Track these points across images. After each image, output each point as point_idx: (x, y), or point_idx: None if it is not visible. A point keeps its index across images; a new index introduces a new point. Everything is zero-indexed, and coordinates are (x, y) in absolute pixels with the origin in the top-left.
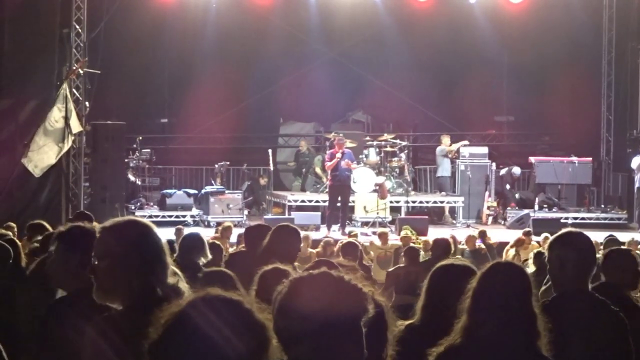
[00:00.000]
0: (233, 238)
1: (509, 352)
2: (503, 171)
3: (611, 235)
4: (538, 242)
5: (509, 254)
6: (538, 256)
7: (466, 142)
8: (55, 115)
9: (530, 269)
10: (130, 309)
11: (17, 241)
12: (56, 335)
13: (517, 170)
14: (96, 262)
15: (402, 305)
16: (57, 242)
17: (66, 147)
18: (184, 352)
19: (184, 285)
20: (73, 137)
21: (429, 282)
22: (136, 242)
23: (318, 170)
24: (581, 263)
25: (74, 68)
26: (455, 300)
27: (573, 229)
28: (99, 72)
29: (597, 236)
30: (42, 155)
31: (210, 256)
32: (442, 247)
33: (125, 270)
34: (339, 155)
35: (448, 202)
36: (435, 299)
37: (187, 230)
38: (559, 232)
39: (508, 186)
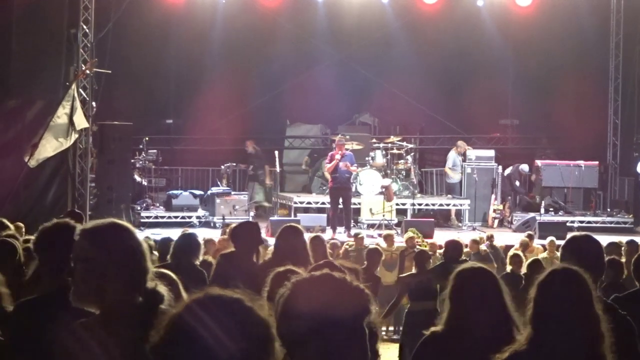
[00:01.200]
0: None
1: (574, 357)
2: (509, 170)
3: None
4: (543, 246)
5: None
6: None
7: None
8: (59, 112)
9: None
10: (105, 315)
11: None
12: (17, 333)
13: (525, 167)
14: (73, 265)
15: (421, 311)
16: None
17: (68, 144)
18: (186, 353)
19: (163, 289)
20: (77, 135)
21: (453, 287)
22: (113, 246)
23: (325, 172)
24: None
25: (83, 69)
26: (481, 306)
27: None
28: (110, 72)
29: (603, 240)
30: (40, 147)
31: (201, 258)
32: (455, 249)
33: (101, 275)
34: (337, 157)
35: (454, 205)
36: (461, 304)
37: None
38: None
39: (518, 183)
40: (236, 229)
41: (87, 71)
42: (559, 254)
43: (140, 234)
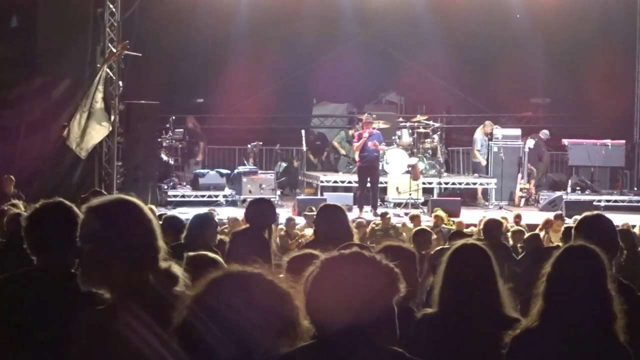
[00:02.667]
0: None
1: (585, 335)
2: (530, 143)
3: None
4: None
5: None
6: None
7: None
8: (97, 97)
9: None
10: (119, 300)
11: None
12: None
13: (545, 132)
14: (80, 246)
15: None
16: None
17: (110, 127)
18: (211, 331)
19: (178, 270)
20: (114, 117)
21: (446, 265)
22: (123, 224)
23: (336, 143)
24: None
25: (115, 51)
26: (474, 284)
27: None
28: (140, 54)
29: (630, 219)
30: (86, 136)
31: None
32: (494, 228)
33: (111, 256)
34: (365, 135)
35: (481, 184)
36: (453, 284)
37: (219, 210)
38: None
39: (545, 149)
40: (249, 207)
41: (120, 52)
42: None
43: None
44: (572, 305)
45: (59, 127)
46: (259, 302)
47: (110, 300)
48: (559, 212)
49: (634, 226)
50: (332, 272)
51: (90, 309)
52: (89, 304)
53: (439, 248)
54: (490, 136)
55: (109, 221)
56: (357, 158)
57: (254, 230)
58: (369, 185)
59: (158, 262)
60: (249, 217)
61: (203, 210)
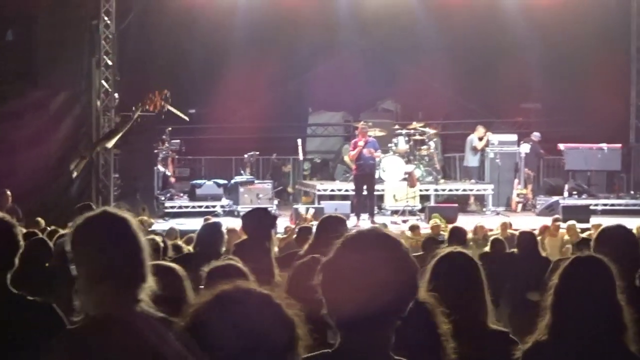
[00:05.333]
0: None
1: (596, 348)
2: (526, 148)
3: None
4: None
5: None
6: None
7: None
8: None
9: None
10: (99, 322)
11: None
12: None
13: (536, 134)
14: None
15: None
16: None
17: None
18: (211, 341)
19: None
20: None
21: (431, 274)
22: (106, 243)
23: (346, 158)
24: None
25: (154, 100)
26: (459, 294)
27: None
28: (187, 119)
29: (628, 223)
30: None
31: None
32: (528, 240)
33: (94, 276)
34: (361, 143)
35: (478, 190)
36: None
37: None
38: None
39: (542, 150)
40: (245, 217)
41: (160, 104)
42: (582, 235)
43: (166, 224)
44: (581, 317)
45: (57, 140)
46: (261, 325)
47: (93, 319)
48: (557, 216)
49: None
50: (347, 260)
51: (69, 329)
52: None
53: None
54: (487, 143)
55: (89, 240)
56: (353, 166)
57: (254, 240)
58: (365, 193)
59: (144, 282)
60: (247, 228)
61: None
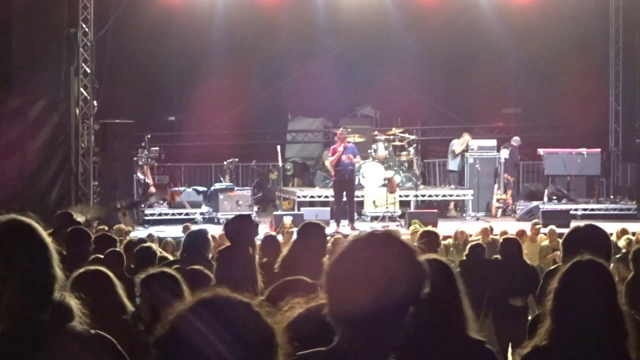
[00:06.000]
0: None
1: (596, 353)
2: (505, 153)
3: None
4: (545, 234)
5: None
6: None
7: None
8: None
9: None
10: (4, 335)
11: None
12: None
13: (516, 139)
14: None
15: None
16: None
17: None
18: (187, 350)
19: (73, 303)
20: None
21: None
22: (8, 251)
23: (327, 163)
24: None
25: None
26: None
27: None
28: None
29: (607, 227)
30: None
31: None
32: (511, 246)
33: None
34: (340, 149)
35: (457, 196)
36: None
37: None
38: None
39: (519, 156)
40: (228, 224)
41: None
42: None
43: (145, 231)
44: (581, 322)
45: (35, 148)
46: (239, 332)
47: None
48: (536, 220)
49: (611, 234)
50: (353, 258)
51: None
52: None
53: None
54: (466, 148)
55: None
56: (332, 172)
57: (237, 247)
58: (344, 199)
59: (52, 294)
60: (230, 235)
61: (180, 228)
